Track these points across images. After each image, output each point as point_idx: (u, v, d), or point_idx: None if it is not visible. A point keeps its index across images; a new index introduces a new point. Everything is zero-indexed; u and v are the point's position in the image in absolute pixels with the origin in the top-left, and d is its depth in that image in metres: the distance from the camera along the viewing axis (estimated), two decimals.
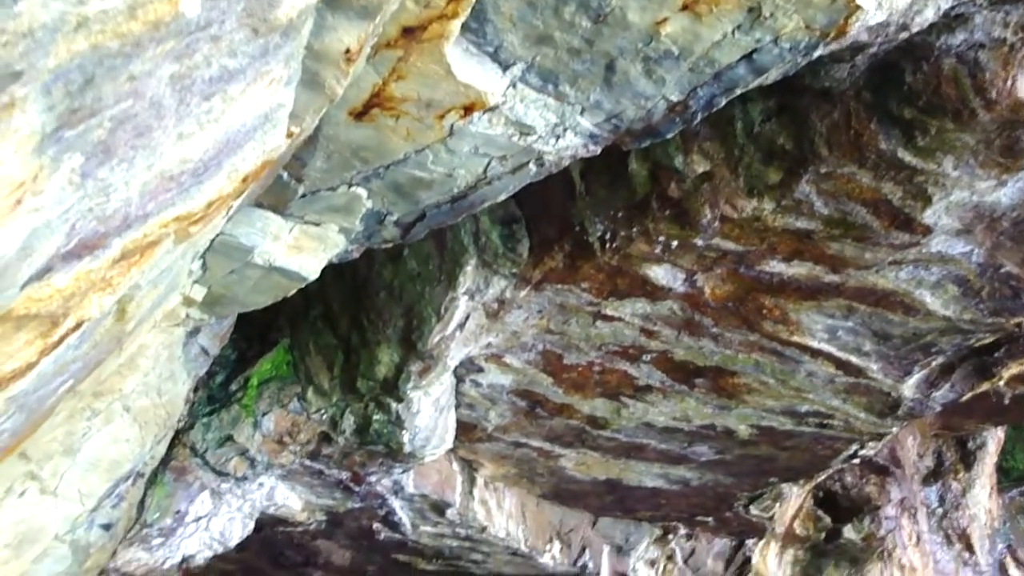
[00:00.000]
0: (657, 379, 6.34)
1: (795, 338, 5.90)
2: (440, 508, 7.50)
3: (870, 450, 9.21)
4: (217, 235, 3.94)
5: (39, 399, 3.42)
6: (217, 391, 6.15)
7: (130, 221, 2.42)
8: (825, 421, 6.98)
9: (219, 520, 6.55)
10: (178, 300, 4.40)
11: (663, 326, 5.78)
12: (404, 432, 6.03)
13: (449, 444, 6.54)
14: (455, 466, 7.53)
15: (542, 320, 5.73)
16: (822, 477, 9.52)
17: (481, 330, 5.65)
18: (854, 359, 6.14)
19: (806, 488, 9.73)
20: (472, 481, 7.75)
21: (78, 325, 2.95)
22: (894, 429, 7.36)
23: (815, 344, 5.97)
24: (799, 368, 6.22)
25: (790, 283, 5.40)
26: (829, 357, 6.11)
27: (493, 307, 5.49)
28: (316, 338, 6.09)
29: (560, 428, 7.03)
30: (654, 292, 5.46)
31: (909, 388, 6.53)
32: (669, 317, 5.70)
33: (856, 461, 9.33)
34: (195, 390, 6.03)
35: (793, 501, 9.95)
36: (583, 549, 8.94)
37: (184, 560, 6.62)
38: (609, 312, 5.66)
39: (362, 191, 3.96)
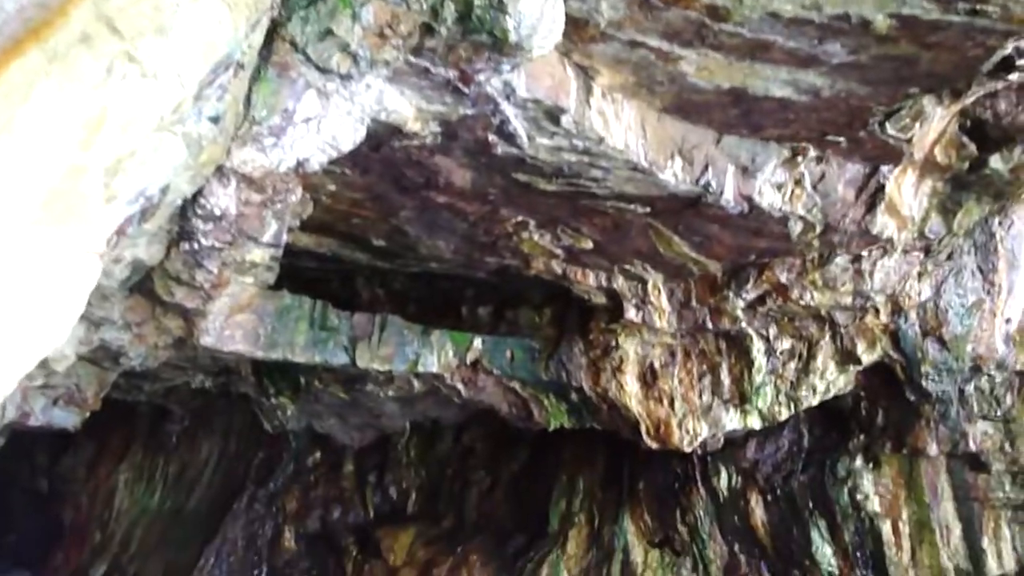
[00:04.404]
0: None
1: None
2: (554, 115, 7.26)
3: None
4: None
5: None
6: None
7: None
8: (978, 7, 6.25)
9: (329, 122, 6.51)
10: None
11: None
12: (508, 18, 5.69)
13: (557, 36, 6.16)
14: (569, 71, 7.19)
15: None
16: (970, 99, 8.81)
17: None
18: None
19: (951, 110, 9.01)
20: (588, 89, 7.43)
21: None
22: None
23: None
24: None
25: None
26: None
27: None
28: None
29: (678, 22, 6.54)
30: None
31: None
32: None
33: (1013, 77, 8.54)
34: None
35: (935, 124, 9.26)
36: (706, 167, 8.65)
37: (299, 164, 6.68)
38: None
39: None
